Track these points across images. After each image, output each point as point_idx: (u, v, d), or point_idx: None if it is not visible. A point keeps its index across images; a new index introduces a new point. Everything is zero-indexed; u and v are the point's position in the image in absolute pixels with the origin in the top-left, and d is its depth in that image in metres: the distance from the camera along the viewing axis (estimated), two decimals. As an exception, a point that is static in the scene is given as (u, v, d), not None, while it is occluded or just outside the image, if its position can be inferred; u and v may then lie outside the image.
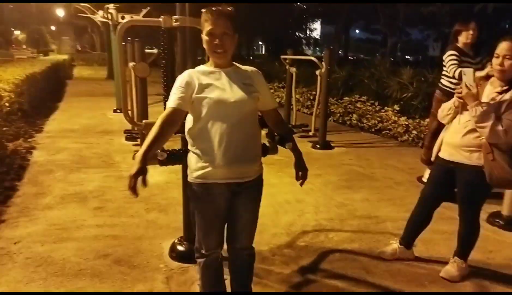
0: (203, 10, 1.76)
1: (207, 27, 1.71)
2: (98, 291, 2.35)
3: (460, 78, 3.68)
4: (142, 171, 1.57)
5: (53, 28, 42.04)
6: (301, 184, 2.00)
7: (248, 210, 1.92)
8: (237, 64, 1.86)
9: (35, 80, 8.25)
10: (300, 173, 1.98)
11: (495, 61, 2.29)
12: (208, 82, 1.74)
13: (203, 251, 1.94)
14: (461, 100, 2.35)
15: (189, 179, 1.84)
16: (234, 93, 1.74)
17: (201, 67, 1.83)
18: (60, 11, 32.06)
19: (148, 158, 1.63)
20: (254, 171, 1.86)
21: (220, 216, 1.87)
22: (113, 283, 2.43)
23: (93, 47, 37.89)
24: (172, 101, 1.73)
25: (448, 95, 4.00)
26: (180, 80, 1.77)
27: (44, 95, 9.28)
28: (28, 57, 21.14)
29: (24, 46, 39.28)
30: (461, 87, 2.33)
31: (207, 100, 1.71)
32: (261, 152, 1.94)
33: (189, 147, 1.84)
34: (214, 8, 1.71)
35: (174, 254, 2.72)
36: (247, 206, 1.90)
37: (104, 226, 3.19)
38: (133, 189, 1.55)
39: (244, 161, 1.79)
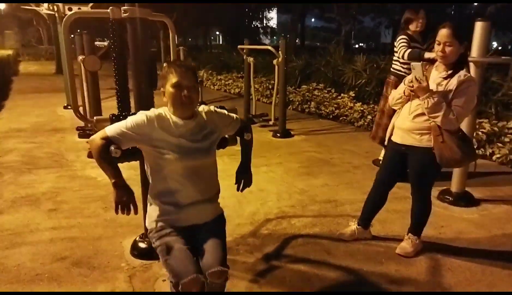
0: (165, 64, 1.79)
1: (172, 79, 1.70)
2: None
3: (409, 59, 3.87)
4: (131, 199, 1.65)
5: (-7, 21, 39.23)
6: (241, 190, 2.09)
7: (211, 245, 1.80)
8: (198, 110, 1.84)
9: (-25, 78, 7.69)
10: (241, 179, 2.06)
11: (437, 47, 2.39)
12: (169, 135, 1.73)
13: (183, 279, 1.67)
14: (413, 93, 2.45)
15: (149, 226, 1.84)
16: (194, 148, 1.76)
17: (165, 114, 1.77)
18: (0, 4, 29.86)
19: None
20: (212, 213, 1.90)
21: (189, 247, 1.77)
22: (73, 285, 2.34)
23: (40, 41, 35.80)
24: (113, 130, 1.70)
25: (400, 78, 4.16)
26: (139, 120, 1.71)
27: (-13, 94, 8.68)
28: (-34, 53, 19.60)
29: (-38, 42, 36.39)
30: (411, 81, 2.42)
31: (167, 156, 1.71)
32: (219, 192, 1.96)
33: (148, 195, 1.86)
34: (178, 62, 1.77)
35: (136, 252, 2.66)
36: (210, 242, 1.81)
37: (59, 228, 3.06)
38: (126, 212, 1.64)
39: (203, 205, 1.83)
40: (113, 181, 1.66)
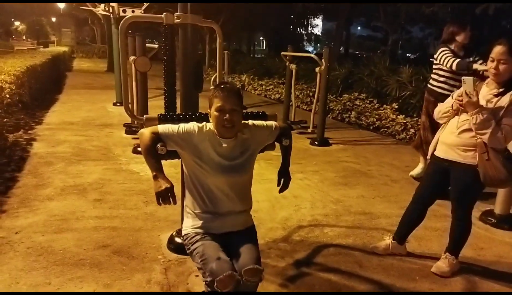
0: (212, 86, 1.87)
1: (216, 103, 1.80)
2: (97, 280, 2.41)
3: (457, 69, 3.76)
4: (170, 189, 1.73)
5: (53, 19, 41.86)
6: (280, 191, 2.12)
7: (246, 247, 1.86)
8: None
9: (35, 72, 8.27)
10: (282, 180, 2.11)
11: (490, 64, 2.32)
12: (212, 151, 1.84)
13: (219, 276, 1.69)
14: (462, 107, 2.39)
15: (184, 232, 1.95)
16: (232, 166, 1.85)
17: (214, 131, 1.86)
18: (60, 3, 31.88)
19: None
20: (246, 222, 1.98)
21: (221, 248, 1.83)
22: (112, 272, 2.48)
23: (94, 39, 37.81)
24: (165, 129, 1.84)
25: (436, 96, 4.03)
26: (191, 129, 1.85)
27: (44, 87, 9.30)
28: (28, 48, 21.15)
29: (24, 37, 39.15)
30: (461, 95, 2.37)
31: (205, 169, 1.83)
32: (251, 206, 2.03)
33: (185, 203, 1.98)
34: (223, 86, 1.84)
35: (172, 246, 2.78)
36: (244, 245, 1.87)
37: (103, 217, 3.25)
38: (166, 202, 1.73)
39: (236, 215, 1.92)
40: (154, 173, 1.78)
